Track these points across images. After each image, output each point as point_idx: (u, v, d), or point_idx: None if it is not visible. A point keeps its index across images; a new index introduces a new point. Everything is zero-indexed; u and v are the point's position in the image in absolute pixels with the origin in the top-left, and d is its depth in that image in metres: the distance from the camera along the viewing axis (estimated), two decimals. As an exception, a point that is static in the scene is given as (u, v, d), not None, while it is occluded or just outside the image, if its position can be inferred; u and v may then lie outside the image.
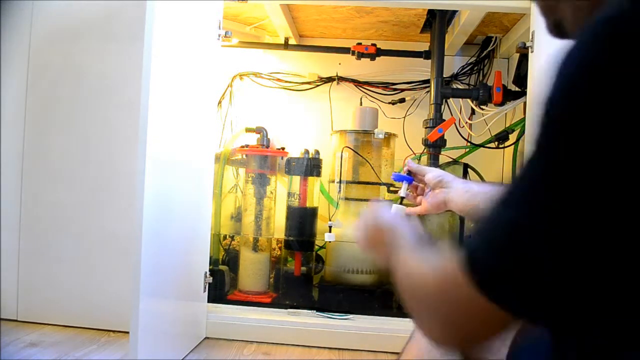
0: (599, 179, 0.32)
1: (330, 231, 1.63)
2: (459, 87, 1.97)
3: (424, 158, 1.74)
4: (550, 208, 0.33)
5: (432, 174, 0.94)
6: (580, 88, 0.33)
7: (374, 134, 1.71)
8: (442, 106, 1.76)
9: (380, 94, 2.02)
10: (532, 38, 1.40)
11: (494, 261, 0.36)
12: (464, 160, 1.77)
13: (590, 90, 0.32)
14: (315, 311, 1.59)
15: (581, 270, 0.33)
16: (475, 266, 0.37)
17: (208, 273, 1.52)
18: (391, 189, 1.06)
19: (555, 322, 0.38)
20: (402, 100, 2.00)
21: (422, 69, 1.96)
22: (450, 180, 0.91)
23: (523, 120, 1.66)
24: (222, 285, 1.67)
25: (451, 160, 1.79)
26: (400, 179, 1.00)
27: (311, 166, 1.72)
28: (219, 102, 1.97)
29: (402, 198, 1.00)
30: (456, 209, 0.88)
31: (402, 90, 2.00)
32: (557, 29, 0.48)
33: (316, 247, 1.79)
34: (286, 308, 1.60)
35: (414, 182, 0.99)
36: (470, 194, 0.86)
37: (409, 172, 0.99)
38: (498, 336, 0.41)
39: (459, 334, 0.43)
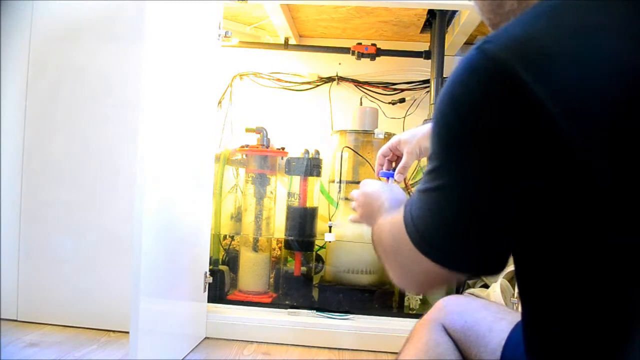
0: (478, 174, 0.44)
1: (330, 231, 1.63)
2: (459, 87, 1.97)
3: (424, 159, 1.74)
4: (454, 198, 0.46)
5: (409, 157, 0.97)
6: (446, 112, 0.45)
7: (374, 134, 1.71)
8: (442, 106, 1.76)
9: (380, 94, 2.02)
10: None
11: (423, 229, 0.49)
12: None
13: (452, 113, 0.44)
14: (315, 311, 1.59)
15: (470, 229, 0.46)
16: (412, 232, 0.50)
17: (208, 273, 1.52)
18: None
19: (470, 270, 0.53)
20: (402, 100, 2.00)
21: (422, 69, 1.96)
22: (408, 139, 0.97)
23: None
24: (222, 285, 1.67)
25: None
26: (385, 175, 1.01)
27: (311, 166, 1.72)
28: (219, 102, 1.97)
29: None
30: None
31: (402, 90, 2.01)
32: None
33: (316, 247, 1.79)
34: (286, 308, 1.60)
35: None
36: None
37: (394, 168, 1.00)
38: (445, 282, 0.52)
39: (415, 280, 0.53)
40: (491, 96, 0.41)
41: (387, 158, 1.01)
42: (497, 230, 0.46)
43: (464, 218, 0.46)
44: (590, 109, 0.39)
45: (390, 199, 0.72)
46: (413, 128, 0.99)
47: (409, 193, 1.66)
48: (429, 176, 0.49)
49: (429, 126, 0.95)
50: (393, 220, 0.56)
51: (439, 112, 0.46)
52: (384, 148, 1.00)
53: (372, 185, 0.80)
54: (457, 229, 0.47)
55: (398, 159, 1.01)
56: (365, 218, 0.79)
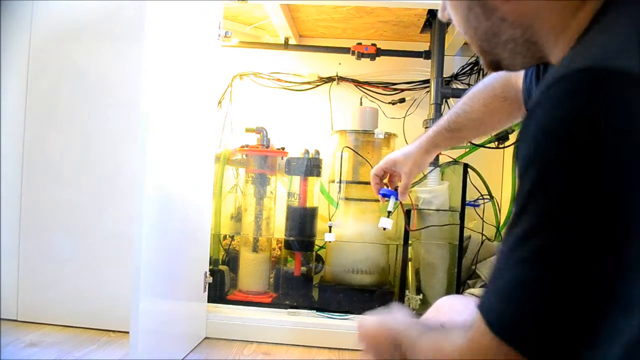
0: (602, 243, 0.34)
1: (330, 231, 1.63)
2: (459, 87, 1.97)
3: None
4: (564, 270, 0.35)
5: (408, 177, 1.00)
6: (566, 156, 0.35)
7: (374, 134, 1.71)
8: (442, 106, 1.76)
9: (380, 94, 2.02)
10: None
11: (524, 324, 0.37)
12: (464, 160, 1.77)
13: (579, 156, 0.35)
14: (315, 311, 1.59)
15: (591, 323, 0.35)
16: (504, 330, 0.38)
17: (208, 273, 1.52)
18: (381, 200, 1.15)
19: None
20: (402, 100, 2.00)
21: (422, 69, 1.96)
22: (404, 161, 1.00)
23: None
24: (222, 285, 1.67)
25: (451, 160, 1.79)
26: (387, 194, 1.05)
27: (311, 166, 1.72)
28: (219, 102, 1.97)
29: (390, 212, 1.07)
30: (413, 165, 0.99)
31: (402, 90, 2.00)
32: (494, 66, 0.55)
33: (316, 247, 1.78)
34: (286, 308, 1.60)
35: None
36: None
37: (395, 189, 1.04)
38: None
39: None
40: (627, 109, 0.34)
41: (381, 177, 1.05)
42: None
43: (586, 302, 0.35)
44: None
45: (408, 325, 0.56)
46: (403, 147, 1.03)
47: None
48: (522, 248, 0.37)
49: (418, 143, 0.98)
50: (470, 343, 0.40)
51: (544, 160, 0.37)
52: (378, 169, 1.04)
53: (372, 325, 0.64)
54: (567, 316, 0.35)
55: (390, 176, 1.05)
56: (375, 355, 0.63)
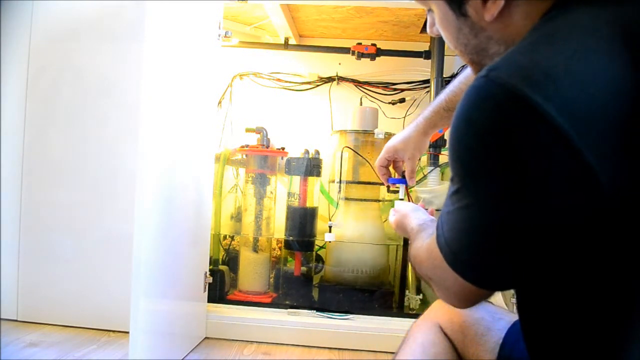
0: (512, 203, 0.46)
1: (330, 231, 1.63)
2: (459, 87, 1.97)
3: (424, 158, 1.74)
4: (479, 217, 0.49)
5: (412, 162, 1.04)
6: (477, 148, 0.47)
7: (374, 134, 1.71)
8: (442, 106, 1.76)
9: (380, 94, 2.02)
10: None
11: (456, 250, 0.53)
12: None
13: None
14: (315, 311, 1.59)
15: (507, 258, 0.49)
16: (447, 254, 0.53)
17: (208, 273, 1.52)
18: (391, 189, 1.15)
19: (504, 288, 0.59)
20: (402, 100, 2.00)
21: (422, 69, 1.96)
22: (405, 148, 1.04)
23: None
24: (222, 285, 1.67)
25: (451, 160, 1.78)
26: (396, 182, 1.07)
27: (311, 166, 1.72)
28: (219, 102, 1.97)
29: (402, 200, 1.07)
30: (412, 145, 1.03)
31: (402, 90, 2.00)
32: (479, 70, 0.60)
33: (316, 247, 1.78)
34: (286, 308, 1.60)
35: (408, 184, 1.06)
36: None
37: (403, 175, 1.06)
38: (486, 297, 0.55)
39: (458, 298, 0.56)
40: (506, 118, 0.44)
41: (386, 167, 1.06)
42: (521, 248, 0.47)
43: (490, 236, 0.48)
44: (597, 125, 0.42)
45: (418, 218, 0.80)
46: (400, 132, 1.04)
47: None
48: (454, 197, 0.51)
49: (415, 125, 0.99)
50: (429, 246, 0.59)
51: (456, 137, 0.48)
52: (382, 159, 1.05)
53: (404, 207, 0.88)
54: (484, 247, 0.49)
55: (394, 163, 1.07)
56: (399, 231, 0.88)
